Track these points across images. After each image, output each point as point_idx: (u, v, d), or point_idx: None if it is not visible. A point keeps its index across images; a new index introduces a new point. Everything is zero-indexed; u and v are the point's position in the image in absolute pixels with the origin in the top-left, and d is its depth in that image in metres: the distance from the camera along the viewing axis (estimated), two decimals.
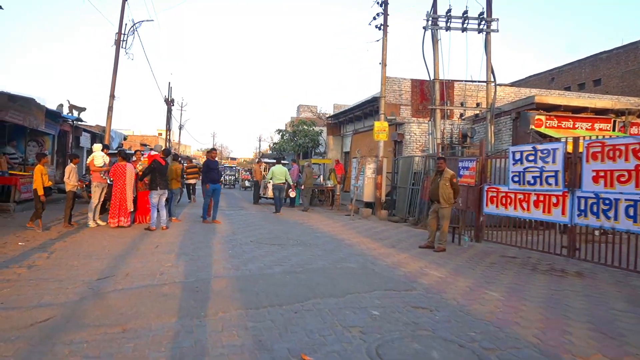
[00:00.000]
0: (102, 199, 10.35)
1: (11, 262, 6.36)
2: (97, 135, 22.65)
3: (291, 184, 16.25)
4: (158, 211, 9.89)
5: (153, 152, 11.69)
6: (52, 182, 11.01)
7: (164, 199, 10.12)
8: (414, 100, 19.62)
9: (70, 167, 9.95)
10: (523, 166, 9.02)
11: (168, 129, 46.70)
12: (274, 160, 22.27)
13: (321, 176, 19.93)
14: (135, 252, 7.35)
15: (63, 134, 18.88)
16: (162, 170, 10.01)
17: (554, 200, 8.29)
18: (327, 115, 27.58)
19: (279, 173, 15.38)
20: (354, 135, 24.17)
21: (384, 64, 15.82)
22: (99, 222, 10.26)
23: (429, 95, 18.99)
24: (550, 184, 8.43)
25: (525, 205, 8.89)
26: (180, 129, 57.36)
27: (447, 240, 9.20)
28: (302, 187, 17.65)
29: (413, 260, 7.68)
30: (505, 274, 6.95)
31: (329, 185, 19.14)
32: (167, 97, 43.92)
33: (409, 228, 12.85)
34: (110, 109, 18.73)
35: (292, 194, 17.05)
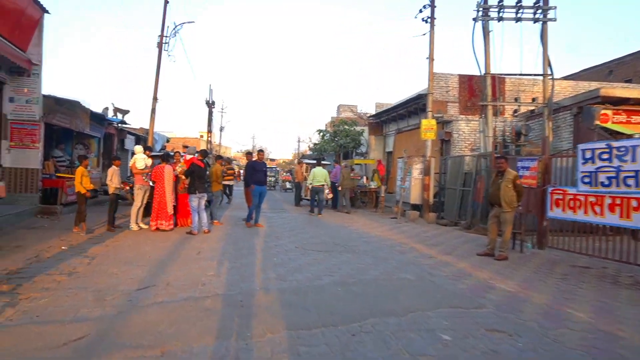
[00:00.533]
0: (144, 202, 10.18)
1: (52, 268, 6.14)
2: (142, 138, 22.95)
3: (329, 185, 15.94)
4: (199, 215, 9.59)
5: (189, 156, 11.40)
6: (95, 185, 10.90)
7: (204, 201, 9.80)
8: (462, 96, 18.63)
9: (112, 170, 9.82)
10: (595, 165, 8.08)
11: (209, 131, 47.36)
12: (315, 161, 21.85)
13: (364, 177, 19.28)
14: (176, 259, 7.01)
15: (108, 136, 19.15)
16: (200, 173, 9.67)
17: (633, 203, 7.33)
18: (369, 115, 26.90)
19: (319, 175, 15.16)
20: (397, 134, 23.37)
21: (431, 58, 15.02)
22: (142, 225, 10.09)
23: (477, 92, 17.97)
24: (629, 185, 7.46)
25: (598, 209, 7.95)
26: (221, 131, 58.25)
27: (509, 247, 8.38)
28: (340, 188, 17.05)
29: (475, 270, 6.95)
30: (584, 288, 6.12)
31: (372, 187, 18.47)
32: (208, 99, 44.52)
33: (461, 232, 12.02)
34: (153, 111, 18.84)
35: (330, 195, 16.57)
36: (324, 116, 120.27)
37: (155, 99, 18.80)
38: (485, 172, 13.33)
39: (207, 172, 10.84)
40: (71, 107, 12.02)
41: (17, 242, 8.04)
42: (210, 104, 44.97)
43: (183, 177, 9.93)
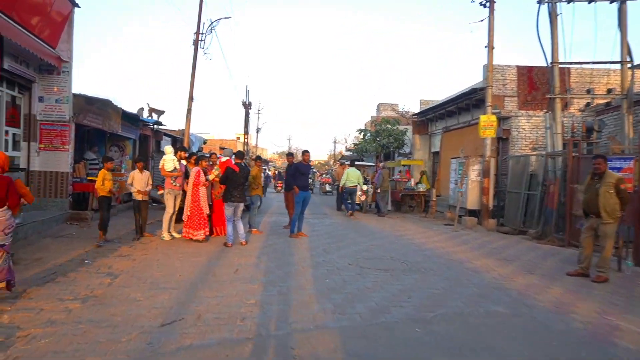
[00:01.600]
0: (177, 208, 9.23)
1: (67, 291, 5.18)
2: (178, 140, 22.35)
3: (362, 188, 15.43)
4: (235, 224, 8.56)
5: (224, 158, 10.17)
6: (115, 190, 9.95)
7: (240, 210, 8.72)
8: (521, 90, 16.89)
9: (133, 173, 8.97)
10: None
11: (246, 133, 46.95)
12: (357, 162, 20.58)
13: (412, 179, 17.85)
14: (210, 279, 5.94)
15: (144, 138, 18.55)
16: (236, 179, 8.54)
17: None
18: (412, 113, 25.38)
19: (353, 176, 14.79)
20: (445, 133, 21.74)
21: (490, 46, 13.50)
22: (174, 234, 9.15)
23: (538, 84, 16.22)
24: None
25: None
26: (257, 132, 57.90)
27: (609, 266, 6.84)
28: (379, 190, 15.80)
29: (577, 299, 5.52)
30: None
31: (421, 189, 17.02)
32: (244, 100, 44.10)
33: (531, 243, 10.47)
34: (189, 111, 18.10)
35: (363, 197, 15.61)
36: (362, 116, 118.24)
37: (191, 98, 18.06)
38: (553, 173, 11.71)
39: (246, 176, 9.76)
40: (102, 106, 11.28)
41: (39, 254, 7.22)
42: (246, 105, 44.58)
43: (218, 182, 8.95)
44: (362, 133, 27.01)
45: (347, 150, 46.01)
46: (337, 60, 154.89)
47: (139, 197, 8.96)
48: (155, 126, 19.75)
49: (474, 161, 13.88)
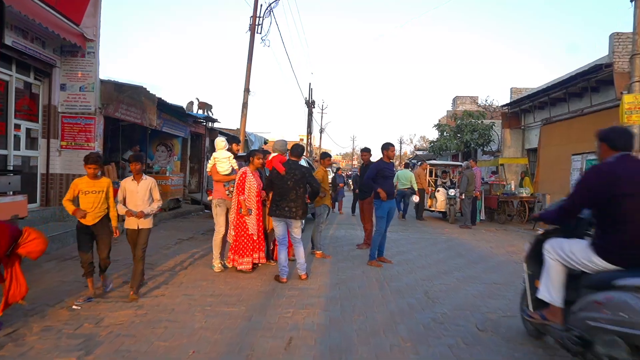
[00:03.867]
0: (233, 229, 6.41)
1: None
2: (236, 139, 20.48)
3: (416, 189, 13.65)
4: (287, 249, 6.07)
5: (272, 154, 7.04)
6: (178, 195, 7.65)
7: (298, 229, 5.99)
8: None
9: (125, 184, 5.30)
10: None
11: (309, 133, 44.98)
12: (444, 162, 17.59)
13: (511, 183, 14.46)
14: None
15: (196, 137, 16.74)
16: (282, 185, 5.85)
17: None
18: (499, 105, 21.74)
19: (404, 177, 13.67)
20: (545, 126, 18.02)
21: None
22: (228, 264, 6.49)
23: None
24: None
25: None
26: (321, 132, 55.84)
27: None
28: (462, 197, 12.71)
29: None
30: None
31: (524, 194, 13.63)
32: (307, 98, 42.09)
33: None
34: (244, 105, 16.01)
35: (416, 199, 13.52)
36: (432, 113, 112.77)
37: (247, 90, 15.96)
38: None
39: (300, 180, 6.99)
40: (134, 94, 9.27)
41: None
42: (310, 104, 42.55)
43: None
44: (440, 129, 23.70)
45: (417, 150, 42.55)
46: (406, 54, 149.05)
47: (131, 225, 5.24)
48: (209, 123, 17.96)
49: None
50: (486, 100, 26.70)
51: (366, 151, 9.05)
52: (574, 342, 2.91)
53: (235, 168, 6.64)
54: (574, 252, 3.13)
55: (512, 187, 14.02)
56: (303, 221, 5.99)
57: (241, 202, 6.06)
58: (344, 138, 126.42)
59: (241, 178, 6.12)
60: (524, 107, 19.33)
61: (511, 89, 21.80)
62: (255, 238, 6.23)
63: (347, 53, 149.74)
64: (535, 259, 3.59)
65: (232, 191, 6.41)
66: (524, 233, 11.70)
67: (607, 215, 3.00)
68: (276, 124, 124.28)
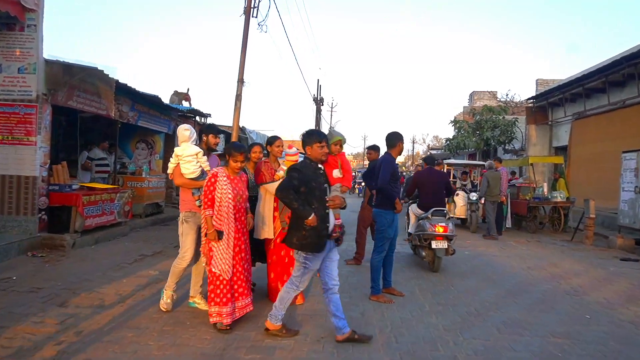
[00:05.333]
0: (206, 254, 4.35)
1: None
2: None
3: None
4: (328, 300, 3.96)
5: (289, 154, 5.10)
6: (157, 199, 5.91)
7: (335, 264, 3.98)
8: None
9: None
10: None
11: None
12: (463, 162, 15.76)
13: (544, 186, 12.48)
14: None
15: None
16: (315, 186, 3.78)
17: None
18: (525, 99, 19.71)
19: None
20: (577, 121, 16.02)
21: None
22: (198, 301, 4.72)
23: None
24: None
25: None
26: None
27: None
28: (482, 202, 10.89)
29: None
30: None
31: (559, 199, 11.66)
32: (315, 95, 40.36)
33: None
34: (238, 97, 14.23)
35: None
36: (445, 112, 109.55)
37: (240, 81, 14.16)
38: None
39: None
40: (87, 77, 7.57)
41: None
42: (318, 101, 40.80)
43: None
44: (457, 125, 21.72)
45: (431, 149, 40.50)
46: (419, 50, 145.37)
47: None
48: (201, 118, 16.32)
49: None
50: (507, 95, 24.66)
51: (373, 149, 7.31)
52: (414, 244, 7.27)
53: (206, 169, 4.76)
54: (415, 209, 7.30)
55: (545, 190, 12.06)
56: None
57: (207, 219, 4.07)
58: (355, 137, 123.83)
59: (208, 184, 4.11)
60: (553, 100, 17.33)
61: (537, 80, 19.81)
62: (228, 277, 4.05)
63: (358, 49, 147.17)
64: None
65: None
66: (563, 246, 9.76)
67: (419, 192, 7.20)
68: (282, 121, 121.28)
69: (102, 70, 7.55)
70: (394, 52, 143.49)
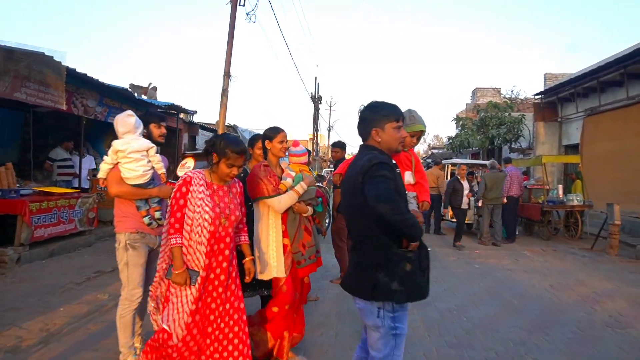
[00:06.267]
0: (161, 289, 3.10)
1: None
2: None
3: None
4: None
5: (295, 153, 3.66)
6: None
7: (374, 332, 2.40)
8: None
9: None
10: None
11: (315, 131, 42.24)
12: (469, 162, 14.73)
13: (558, 187, 11.37)
14: None
15: (170, 132, 13.97)
16: (402, 193, 2.45)
17: None
18: (533, 94, 18.61)
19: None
20: (590, 117, 14.87)
21: None
22: (137, 345, 3.46)
23: None
24: None
25: None
26: (329, 130, 52.98)
27: None
28: (480, 204, 9.84)
29: None
30: None
31: (576, 203, 10.56)
32: (313, 93, 39.35)
33: None
34: (224, 92, 13.18)
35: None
36: (446, 110, 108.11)
37: (227, 74, 13.13)
38: None
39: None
40: (33, 64, 6.46)
41: None
42: (316, 100, 39.80)
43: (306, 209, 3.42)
44: (460, 123, 20.62)
45: (432, 148, 39.38)
46: (419, 48, 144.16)
47: None
48: (188, 116, 15.28)
49: None
50: (512, 91, 23.57)
51: (339, 146, 6.33)
52: None
53: (160, 171, 3.56)
54: None
55: (560, 192, 10.95)
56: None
57: (175, 252, 2.76)
58: (355, 137, 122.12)
59: (176, 195, 2.82)
60: (563, 95, 16.20)
61: (545, 75, 18.69)
62: (176, 342, 2.73)
63: (357, 47, 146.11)
64: None
65: (158, 218, 3.37)
66: (584, 257, 8.65)
67: None
68: (277, 121, 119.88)
69: (52, 57, 6.45)
70: (392, 49, 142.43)
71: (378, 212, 2.14)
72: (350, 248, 2.54)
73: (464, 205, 9.80)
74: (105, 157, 3.41)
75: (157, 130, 3.74)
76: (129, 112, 3.50)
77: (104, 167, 3.38)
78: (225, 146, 2.77)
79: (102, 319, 4.49)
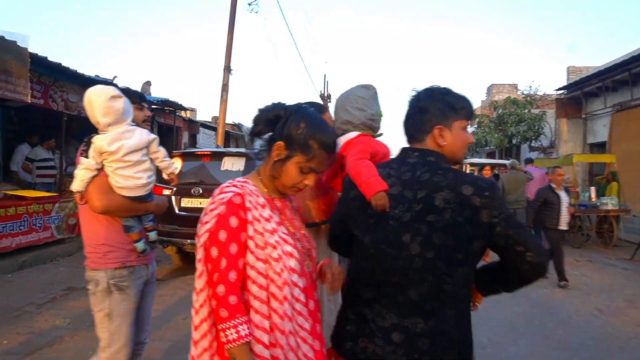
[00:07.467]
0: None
1: None
2: (231, 135, 16.93)
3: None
4: None
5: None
6: None
7: None
8: None
9: None
10: None
11: None
12: (489, 162, 13.75)
13: (591, 190, 10.29)
14: None
15: (167, 130, 13.22)
16: (377, 234, 1.51)
17: None
18: (555, 89, 17.50)
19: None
20: (618, 113, 13.76)
21: None
22: None
23: None
24: None
25: None
26: None
27: None
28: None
29: None
30: None
31: (611, 207, 9.49)
32: (322, 92, 38.49)
33: None
34: (224, 88, 12.35)
35: None
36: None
37: (227, 68, 12.30)
38: None
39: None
40: None
41: None
42: (325, 97, 38.90)
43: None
44: (475, 120, 19.56)
45: None
46: (432, 41, 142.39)
47: None
48: (185, 113, 14.49)
49: None
50: (530, 87, 22.40)
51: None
52: None
53: (168, 170, 2.43)
54: None
55: (592, 195, 9.88)
56: None
57: (239, 356, 1.34)
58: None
59: (223, 236, 1.39)
60: (589, 89, 15.07)
61: (568, 68, 17.57)
62: None
63: (367, 43, 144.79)
64: None
65: (153, 240, 2.42)
66: (625, 269, 7.61)
67: None
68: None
69: (15, 42, 5.61)
70: (404, 46, 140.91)
71: (537, 272, 1.44)
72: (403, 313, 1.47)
73: None
74: (82, 160, 2.17)
75: (140, 114, 2.52)
76: (111, 89, 2.18)
77: (83, 176, 2.15)
78: (311, 132, 1.49)
79: (49, 355, 3.62)
